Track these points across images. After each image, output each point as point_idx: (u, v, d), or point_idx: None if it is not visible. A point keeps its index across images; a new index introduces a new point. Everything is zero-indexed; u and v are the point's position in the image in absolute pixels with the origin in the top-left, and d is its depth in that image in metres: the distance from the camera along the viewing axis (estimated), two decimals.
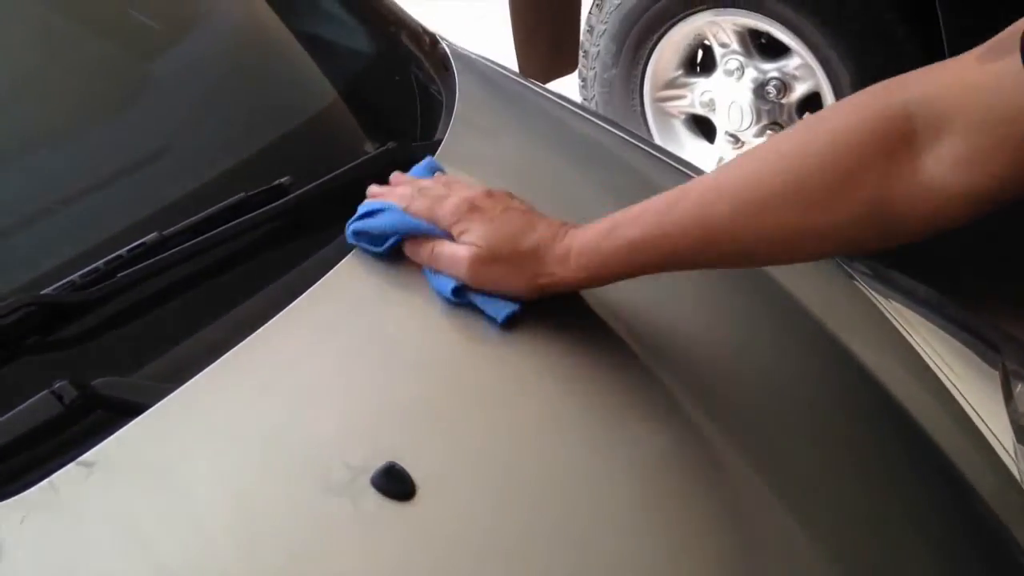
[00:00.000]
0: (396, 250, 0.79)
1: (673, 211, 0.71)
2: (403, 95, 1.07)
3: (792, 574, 0.66)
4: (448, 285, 0.75)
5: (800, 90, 2.08)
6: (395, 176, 0.85)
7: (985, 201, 0.62)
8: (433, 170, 0.86)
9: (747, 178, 0.69)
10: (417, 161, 0.88)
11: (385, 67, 1.10)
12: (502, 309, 0.74)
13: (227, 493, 0.61)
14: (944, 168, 0.62)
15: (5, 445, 0.60)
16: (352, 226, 0.79)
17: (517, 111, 1.11)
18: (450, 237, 0.76)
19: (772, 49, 2.11)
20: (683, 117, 2.32)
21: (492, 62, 1.19)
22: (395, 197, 0.80)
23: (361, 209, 0.80)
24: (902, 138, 0.63)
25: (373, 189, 0.83)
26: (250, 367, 0.69)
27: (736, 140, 2.21)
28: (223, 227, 0.78)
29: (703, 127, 2.32)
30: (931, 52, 1.80)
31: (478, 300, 0.75)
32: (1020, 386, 0.90)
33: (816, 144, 0.67)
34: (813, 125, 0.71)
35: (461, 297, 0.75)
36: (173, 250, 0.75)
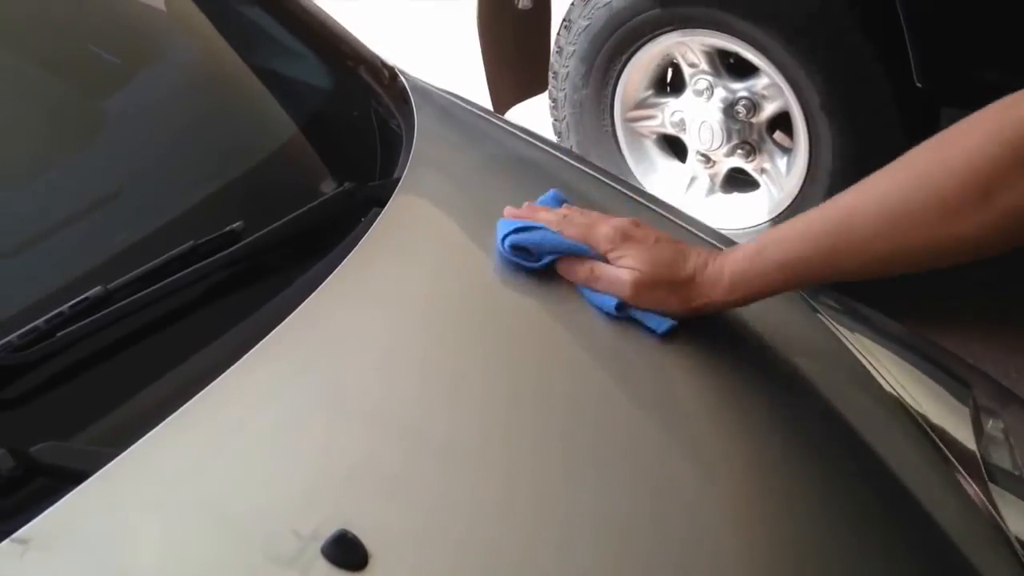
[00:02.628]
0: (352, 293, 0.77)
1: (816, 233, 0.78)
2: (361, 132, 1.05)
3: None
4: (611, 302, 0.83)
5: (769, 109, 2.07)
6: (528, 205, 0.91)
7: None
8: (560, 200, 0.93)
9: (887, 196, 0.74)
10: (375, 200, 0.87)
11: (342, 104, 1.08)
12: (663, 323, 0.82)
13: (171, 569, 0.58)
14: None
15: None
16: (510, 239, 0.86)
17: (477, 145, 1.09)
18: (603, 260, 0.84)
19: (741, 69, 2.10)
20: (654, 137, 2.31)
21: (451, 94, 1.17)
22: (542, 220, 0.87)
23: (512, 224, 0.87)
24: None
25: (510, 211, 0.90)
26: (197, 429, 0.67)
27: (707, 160, 2.20)
28: (171, 279, 0.75)
29: (674, 147, 2.31)
30: (897, 71, 1.80)
31: (638, 315, 0.83)
32: (991, 422, 0.89)
33: (954, 160, 0.70)
34: (946, 142, 0.73)
35: (622, 312, 0.83)
36: (118, 304, 0.72)
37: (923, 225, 0.71)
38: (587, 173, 1.09)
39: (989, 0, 1.69)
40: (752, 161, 2.15)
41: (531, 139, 1.13)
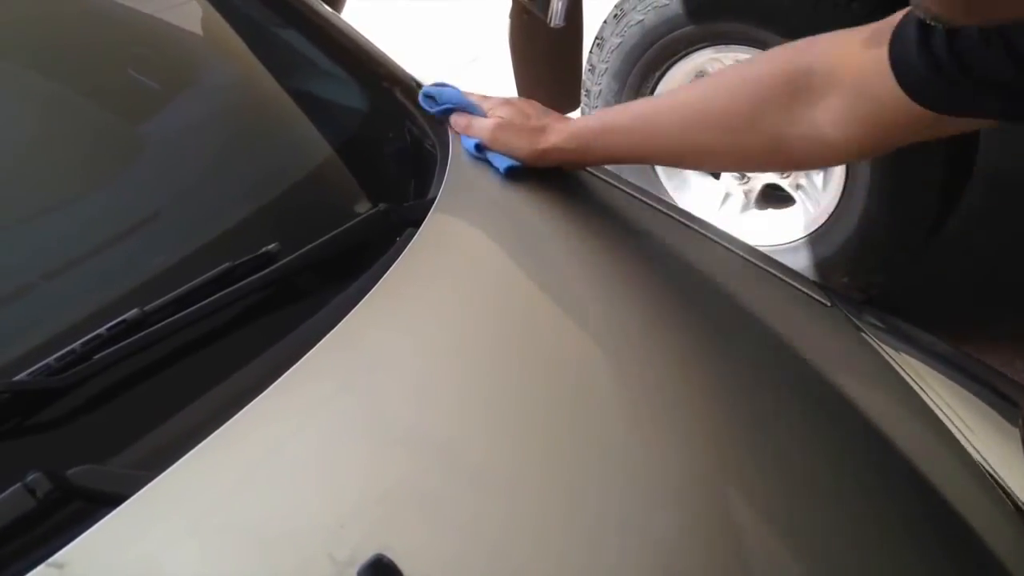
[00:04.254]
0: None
1: (635, 114, 0.97)
2: (396, 152, 1.05)
3: None
4: (472, 143, 1.00)
5: None
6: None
7: (855, 153, 0.84)
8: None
9: (691, 102, 0.92)
10: (410, 220, 0.87)
11: (377, 125, 1.08)
12: (505, 162, 0.98)
13: None
14: (828, 121, 0.79)
15: None
16: (425, 89, 1.07)
17: None
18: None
19: None
20: None
21: None
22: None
23: (436, 81, 1.08)
24: (802, 90, 0.80)
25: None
26: (233, 452, 0.66)
27: (742, 176, 2.19)
28: (207, 300, 0.75)
29: None
30: None
31: (491, 155, 0.99)
32: None
33: (740, 85, 0.87)
34: (742, 69, 0.92)
35: (480, 152, 1.00)
36: (155, 327, 0.72)
37: (709, 130, 0.88)
38: (619, 189, 1.08)
39: None
40: (787, 176, 2.13)
41: None
